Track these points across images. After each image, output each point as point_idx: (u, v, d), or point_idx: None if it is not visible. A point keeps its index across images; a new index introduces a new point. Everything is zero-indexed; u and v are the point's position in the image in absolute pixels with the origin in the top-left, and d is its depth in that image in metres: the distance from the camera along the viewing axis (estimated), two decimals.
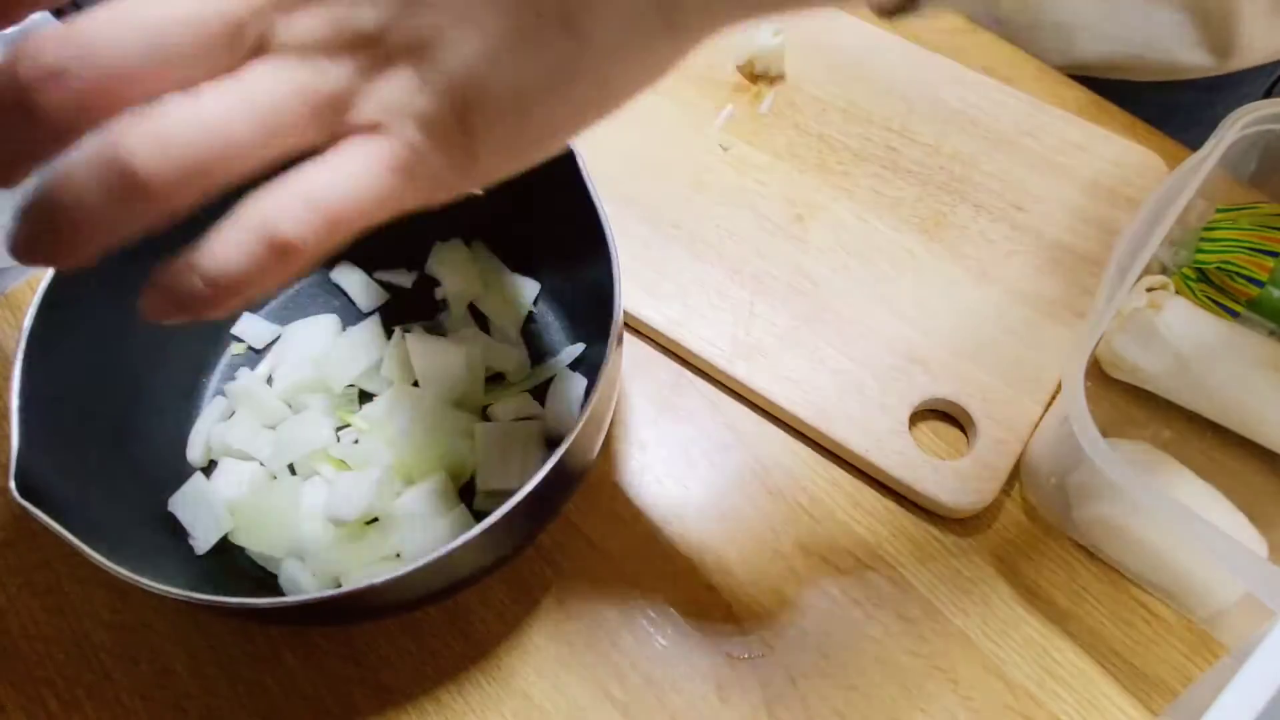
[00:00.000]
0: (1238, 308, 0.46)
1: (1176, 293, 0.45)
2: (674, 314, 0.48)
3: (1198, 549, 0.37)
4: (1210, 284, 0.46)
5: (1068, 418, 0.37)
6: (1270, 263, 0.44)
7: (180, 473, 0.43)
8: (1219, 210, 0.47)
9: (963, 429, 0.46)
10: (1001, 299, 0.49)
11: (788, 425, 0.46)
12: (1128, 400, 0.46)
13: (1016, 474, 0.45)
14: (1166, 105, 0.56)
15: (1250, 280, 0.45)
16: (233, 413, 0.45)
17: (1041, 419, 0.45)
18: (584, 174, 0.40)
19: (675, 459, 0.46)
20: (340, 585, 0.39)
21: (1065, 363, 0.38)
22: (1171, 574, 0.40)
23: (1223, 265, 0.45)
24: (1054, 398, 0.45)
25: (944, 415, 0.46)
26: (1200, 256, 0.46)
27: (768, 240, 0.51)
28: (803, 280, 0.50)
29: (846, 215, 0.52)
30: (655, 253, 0.51)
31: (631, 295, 0.49)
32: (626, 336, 0.49)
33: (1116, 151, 0.54)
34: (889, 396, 0.45)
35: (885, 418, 0.45)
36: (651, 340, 0.49)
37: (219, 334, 0.47)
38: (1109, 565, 0.42)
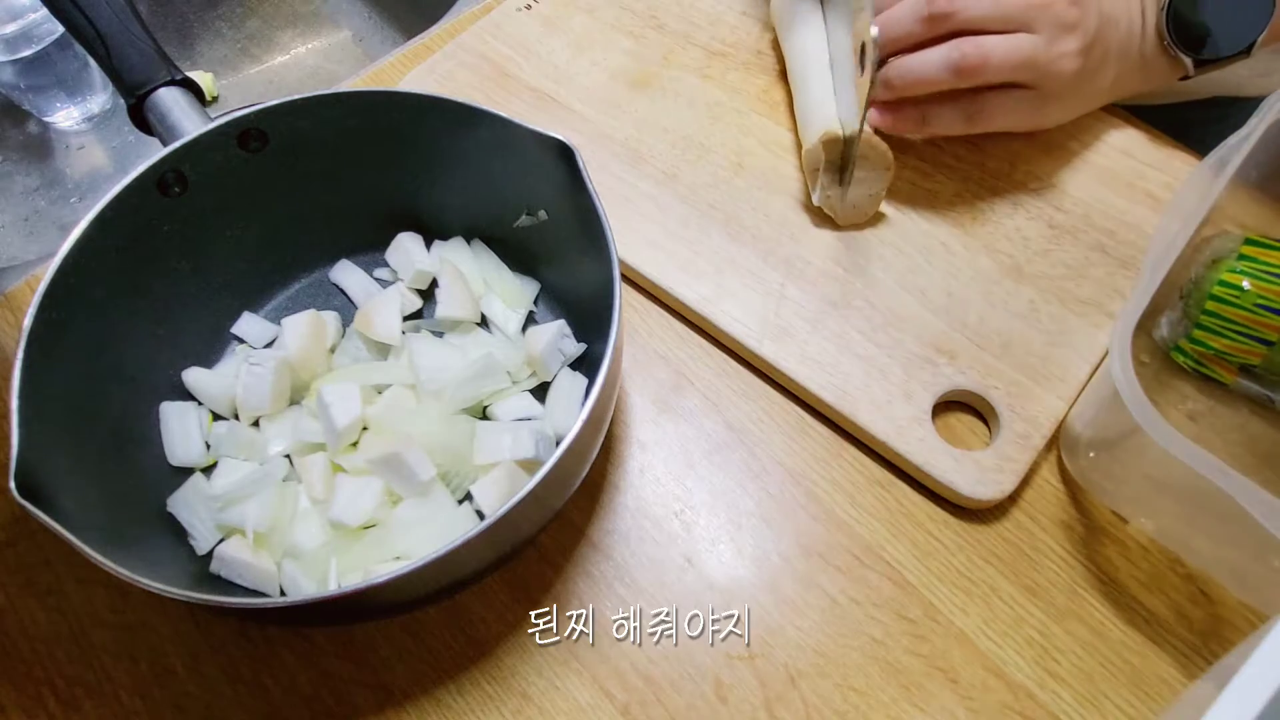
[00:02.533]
0: (1228, 378, 0.46)
1: (1170, 355, 0.47)
2: (706, 291, 0.49)
3: (1240, 514, 0.37)
4: (1200, 361, 0.46)
5: (1103, 384, 0.37)
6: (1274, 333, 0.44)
7: (180, 473, 0.43)
8: (1247, 241, 0.46)
9: (986, 422, 0.46)
10: (1034, 295, 0.49)
11: (788, 426, 0.46)
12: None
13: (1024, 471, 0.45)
14: (1174, 124, 0.57)
15: (1241, 365, 0.45)
16: (234, 413, 0.45)
17: (1079, 395, 0.45)
18: (584, 174, 0.40)
19: (675, 459, 0.46)
20: (340, 585, 0.39)
21: (1114, 329, 0.38)
22: (1216, 548, 0.40)
23: (1219, 352, 0.45)
24: (1080, 395, 0.46)
25: (968, 407, 0.47)
26: (1198, 334, 0.45)
27: (803, 225, 0.52)
28: (835, 266, 0.50)
29: (883, 205, 0.52)
30: (692, 231, 0.52)
31: (665, 271, 0.50)
32: (627, 338, 0.49)
33: (1160, 157, 0.54)
34: (913, 384, 0.46)
35: (908, 405, 0.45)
36: (677, 319, 0.50)
37: (219, 334, 0.47)
38: (1108, 565, 0.42)
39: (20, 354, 0.36)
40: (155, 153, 0.41)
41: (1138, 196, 0.52)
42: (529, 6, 0.62)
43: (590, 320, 0.45)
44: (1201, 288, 0.45)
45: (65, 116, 0.77)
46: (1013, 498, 0.44)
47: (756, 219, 0.52)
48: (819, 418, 0.47)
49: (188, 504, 0.41)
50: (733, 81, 0.58)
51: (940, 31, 0.49)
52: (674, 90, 0.58)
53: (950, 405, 0.47)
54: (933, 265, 0.50)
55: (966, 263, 0.50)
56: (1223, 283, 0.44)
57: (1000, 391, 0.45)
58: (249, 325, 0.48)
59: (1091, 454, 0.43)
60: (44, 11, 0.66)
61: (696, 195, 0.53)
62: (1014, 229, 0.51)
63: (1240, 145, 0.43)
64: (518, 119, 0.41)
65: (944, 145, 0.55)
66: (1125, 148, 0.54)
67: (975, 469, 0.43)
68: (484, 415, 0.45)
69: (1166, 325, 0.47)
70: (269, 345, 0.47)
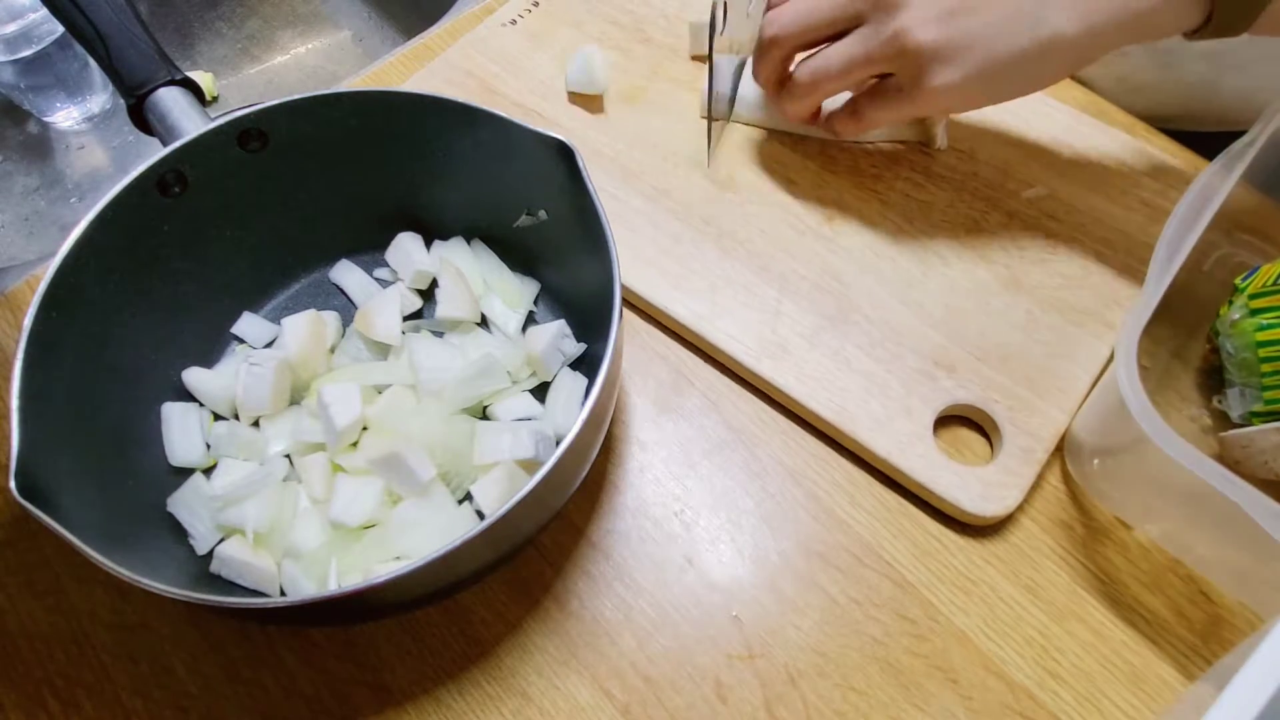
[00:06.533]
0: None
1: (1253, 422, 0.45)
2: (701, 309, 0.49)
3: (1244, 520, 0.37)
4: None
5: (1108, 392, 0.37)
6: None
7: (180, 473, 0.43)
8: (1251, 296, 0.45)
9: (987, 436, 0.46)
10: (1031, 307, 0.48)
11: (787, 426, 0.46)
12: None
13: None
14: (1209, 150, 0.56)
15: None
16: (234, 413, 0.45)
17: (1082, 403, 0.45)
18: (584, 174, 0.40)
19: (675, 459, 0.46)
20: (340, 585, 0.39)
21: (1119, 335, 0.38)
22: (1221, 553, 0.41)
23: None
24: (1081, 406, 0.45)
25: (968, 421, 0.46)
26: (1270, 395, 0.43)
27: (797, 239, 0.51)
28: (831, 281, 0.50)
29: (877, 217, 0.52)
30: (685, 248, 0.51)
31: (659, 288, 0.49)
32: (627, 338, 0.49)
33: (1154, 164, 0.54)
34: (914, 400, 0.45)
35: (909, 421, 0.45)
36: (673, 333, 0.49)
37: (219, 334, 0.47)
38: (1108, 565, 0.42)
39: (20, 354, 0.36)
40: (155, 153, 0.41)
41: (1132, 204, 0.52)
42: (514, 21, 0.62)
43: (590, 320, 0.45)
44: (1243, 355, 0.45)
45: (65, 116, 0.77)
46: None
47: (750, 233, 0.51)
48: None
49: (188, 504, 0.41)
50: None
51: (778, 59, 0.50)
52: (663, 104, 0.57)
53: (951, 420, 0.46)
54: (929, 278, 0.50)
55: (963, 274, 0.50)
56: (1263, 343, 0.43)
57: (1001, 405, 0.45)
58: (249, 325, 0.48)
59: (1096, 460, 0.43)
60: (44, 11, 0.66)
61: (689, 211, 0.52)
62: (1009, 239, 0.51)
63: (1246, 150, 0.43)
64: (518, 119, 0.41)
65: (935, 156, 0.55)
66: (1118, 155, 0.54)
67: (979, 484, 0.43)
68: (484, 415, 0.45)
69: (1234, 400, 0.46)
70: (269, 345, 0.47)
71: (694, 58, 0.60)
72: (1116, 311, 0.48)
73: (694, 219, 0.52)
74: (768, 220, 0.52)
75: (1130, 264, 0.50)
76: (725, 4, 0.47)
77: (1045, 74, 0.45)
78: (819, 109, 0.52)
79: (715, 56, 0.48)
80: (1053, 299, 0.49)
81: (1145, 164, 0.54)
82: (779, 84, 0.52)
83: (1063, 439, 0.45)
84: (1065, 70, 0.45)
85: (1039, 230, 0.51)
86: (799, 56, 0.50)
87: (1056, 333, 0.47)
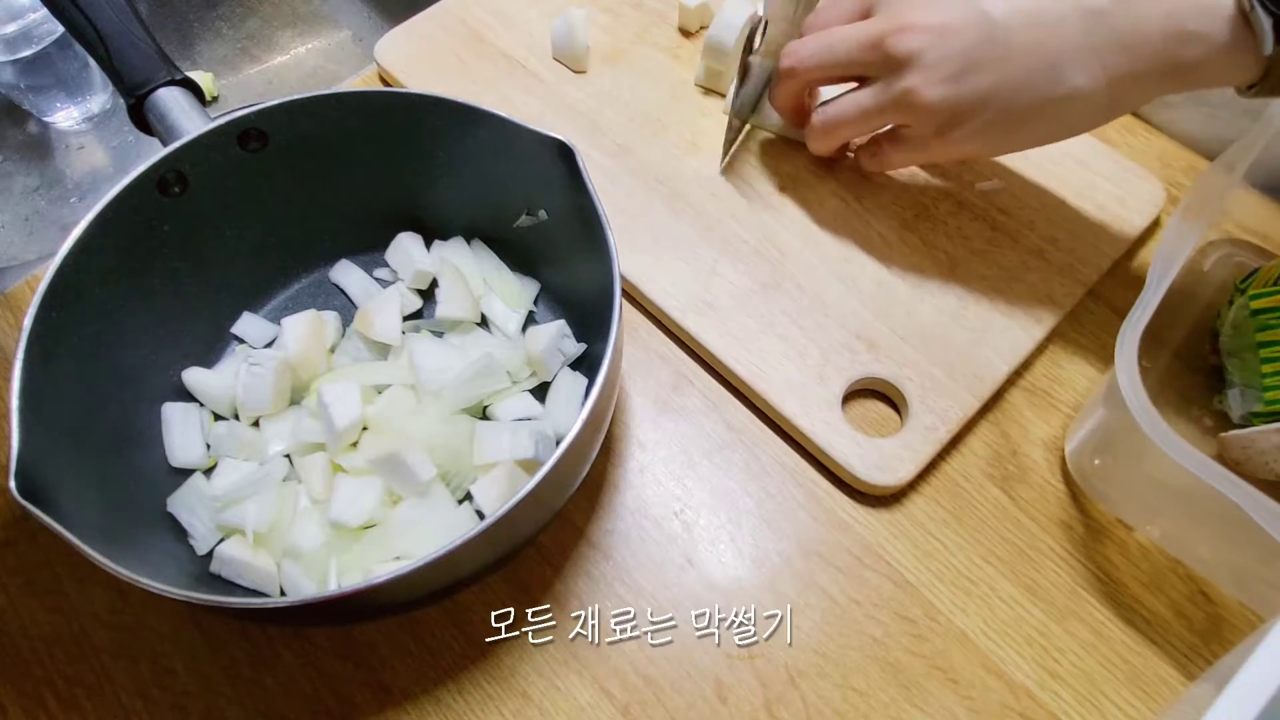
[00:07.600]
0: None
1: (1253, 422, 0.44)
2: (643, 262, 0.50)
3: (1246, 521, 0.37)
4: None
5: (1105, 399, 0.37)
6: None
7: (180, 473, 0.43)
8: (1252, 296, 0.45)
9: (899, 413, 0.46)
10: (963, 294, 0.49)
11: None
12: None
13: (1005, 471, 0.45)
14: None
15: None
16: (234, 413, 0.45)
17: (997, 391, 0.46)
18: (584, 174, 0.40)
19: (675, 459, 0.46)
20: (340, 585, 0.39)
21: (1120, 336, 0.38)
22: (1222, 554, 0.41)
23: None
24: (994, 395, 0.46)
25: (885, 399, 0.47)
26: (1271, 395, 0.43)
27: (746, 206, 0.52)
28: (771, 248, 0.51)
29: (828, 194, 0.53)
30: (637, 203, 0.52)
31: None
32: (627, 338, 0.49)
33: (1115, 170, 0.54)
34: (829, 369, 0.46)
35: (822, 388, 0.46)
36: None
37: (219, 334, 0.47)
38: (1108, 565, 0.42)
39: (20, 354, 0.36)
40: (155, 153, 0.41)
41: (1086, 207, 0.52)
42: None
43: (590, 320, 0.45)
44: (1243, 355, 0.45)
45: (65, 116, 0.77)
46: (1012, 498, 0.44)
47: (702, 197, 0.53)
48: None
49: (188, 504, 0.41)
50: (697, 62, 0.58)
51: (793, 90, 0.51)
52: (642, 67, 0.59)
53: (867, 395, 0.47)
54: (868, 256, 0.50)
55: (902, 256, 0.51)
56: (1263, 344, 0.44)
57: (914, 383, 0.46)
58: (249, 325, 0.48)
59: (1096, 460, 0.43)
60: (44, 11, 0.66)
61: (646, 170, 0.54)
62: (955, 228, 0.52)
63: (1246, 150, 0.43)
64: (518, 119, 0.41)
65: None
66: (1081, 157, 0.54)
67: (876, 455, 0.44)
68: (484, 415, 0.45)
69: (1234, 400, 0.46)
70: (269, 345, 0.47)
71: (680, 30, 0.61)
72: (1049, 308, 0.49)
73: (649, 178, 0.53)
74: (721, 185, 0.53)
75: (1071, 264, 0.50)
76: (765, 18, 0.49)
77: (1070, 126, 0.45)
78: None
79: (750, 59, 0.50)
80: (987, 289, 0.49)
81: (1111, 170, 0.54)
82: (795, 111, 0.53)
83: (1064, 434, 0.45)
84: (1095, 121, 0.44)
85: (986, 222, 0.52)
86: (823, 92, 0.52)
87: (984, 322, 0.48)
